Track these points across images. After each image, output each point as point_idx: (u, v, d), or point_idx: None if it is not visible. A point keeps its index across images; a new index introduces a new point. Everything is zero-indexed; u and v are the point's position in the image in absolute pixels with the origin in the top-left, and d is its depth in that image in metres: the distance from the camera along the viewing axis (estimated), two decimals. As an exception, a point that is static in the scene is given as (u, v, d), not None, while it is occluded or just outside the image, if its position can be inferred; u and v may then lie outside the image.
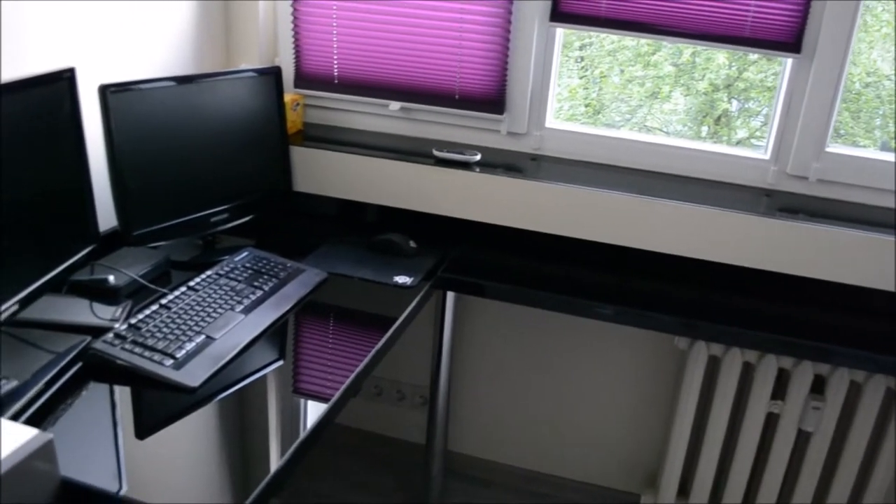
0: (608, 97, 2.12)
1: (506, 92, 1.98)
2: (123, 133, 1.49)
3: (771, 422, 1.87)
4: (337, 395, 1.27)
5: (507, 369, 2.21)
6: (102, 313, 1.42)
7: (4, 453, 0.94)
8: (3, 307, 1.20)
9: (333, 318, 1.56)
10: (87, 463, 1.06)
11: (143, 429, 1.15)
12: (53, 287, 1.37)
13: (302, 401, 1.26)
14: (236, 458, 1.13)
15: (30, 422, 1.13)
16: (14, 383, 1.16)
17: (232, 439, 1.16)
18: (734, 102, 2.12)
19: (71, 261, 1.37)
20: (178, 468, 1.08)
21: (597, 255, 1.85)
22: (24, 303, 1.26)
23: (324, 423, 1.22)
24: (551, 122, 2.02)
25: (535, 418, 2.24)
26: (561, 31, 1.93)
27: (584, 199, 1.80)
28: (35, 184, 1.27)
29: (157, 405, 1.20)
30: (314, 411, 1.23)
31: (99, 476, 1.03)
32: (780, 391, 1.84)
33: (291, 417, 1.22)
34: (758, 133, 2.08)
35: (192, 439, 1.14)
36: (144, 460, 1.09)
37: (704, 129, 2.13)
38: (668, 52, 2.09)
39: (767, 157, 1.90)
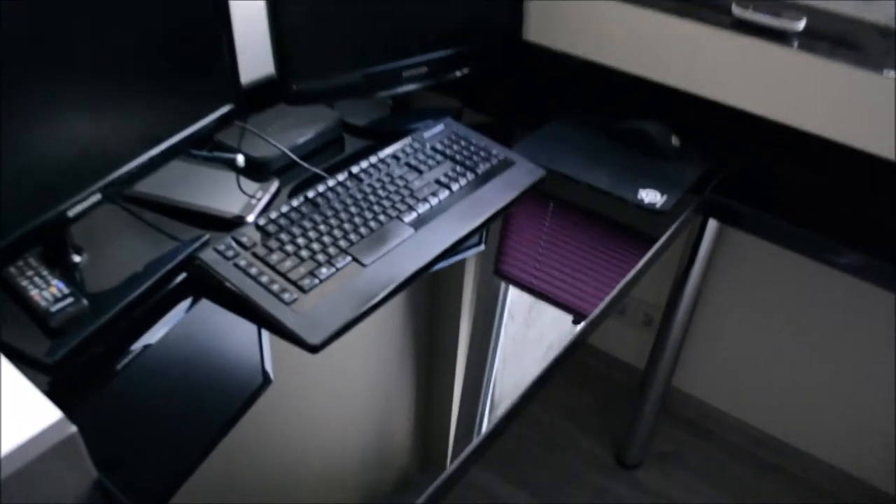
0: None
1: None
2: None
3: None
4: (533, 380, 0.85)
5: (763, 311, 1.66)
6: (237, 197, 1.08)
7: (5, 449, 0.64)
8: (104, 181, 0.89)
9: (542, 229, 1.11)
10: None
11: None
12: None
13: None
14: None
15: (96, 357, 0.85)
16: (82, 304, 0.86)
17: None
18: None
19: (197, 126, 1.01)
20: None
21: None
22: (146, 169, 0.94)
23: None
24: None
25: (784, 376, 1.70)
26: None
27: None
28: (147, 16, 0.90)
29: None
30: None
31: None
32: None
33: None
34: None
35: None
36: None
37: None
38: None
39: None
